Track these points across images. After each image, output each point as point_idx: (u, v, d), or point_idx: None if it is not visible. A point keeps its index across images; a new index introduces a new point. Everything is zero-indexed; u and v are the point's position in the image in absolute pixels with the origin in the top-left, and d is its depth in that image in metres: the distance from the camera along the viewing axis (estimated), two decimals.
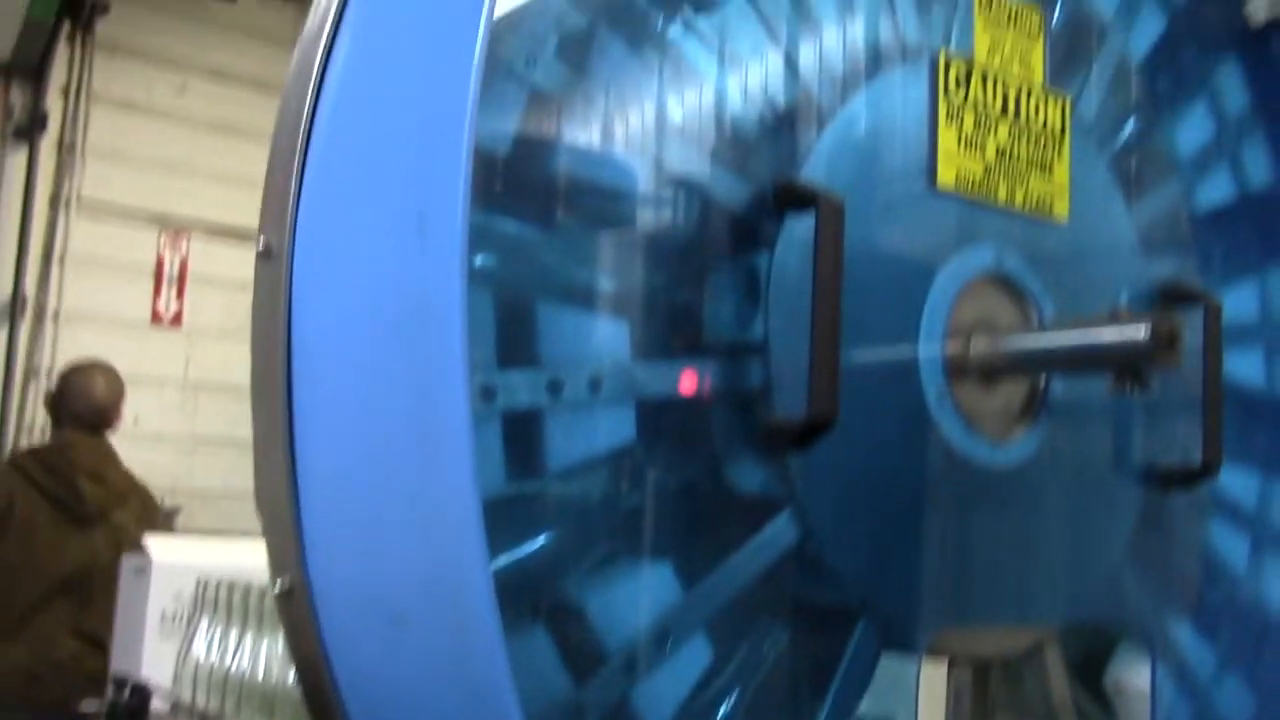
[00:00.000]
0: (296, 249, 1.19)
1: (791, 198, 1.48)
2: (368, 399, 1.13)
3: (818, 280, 1.42)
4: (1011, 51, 1.81)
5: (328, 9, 1.27)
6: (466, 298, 0.98)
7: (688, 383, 1.44)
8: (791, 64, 1.59)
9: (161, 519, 4.70)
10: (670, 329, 1.43)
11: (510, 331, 1.28)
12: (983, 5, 1.78)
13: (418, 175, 1.08)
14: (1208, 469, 1.89)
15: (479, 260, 1.25)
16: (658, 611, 1.37)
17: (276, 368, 1.22)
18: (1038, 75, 1.83)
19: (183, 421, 6.98)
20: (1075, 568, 1.83)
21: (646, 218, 1.43)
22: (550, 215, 1.35)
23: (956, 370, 1.67)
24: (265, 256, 1.25)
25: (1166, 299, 1.93)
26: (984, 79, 1.76)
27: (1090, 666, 1.87)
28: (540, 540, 1.29)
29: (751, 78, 1.55)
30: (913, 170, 1.68)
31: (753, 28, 1.56)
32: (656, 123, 1.44)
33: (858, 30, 1.67)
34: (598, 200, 1.40)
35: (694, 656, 1.41)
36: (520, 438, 1.28)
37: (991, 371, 1.69)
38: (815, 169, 1.55)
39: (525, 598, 1.26)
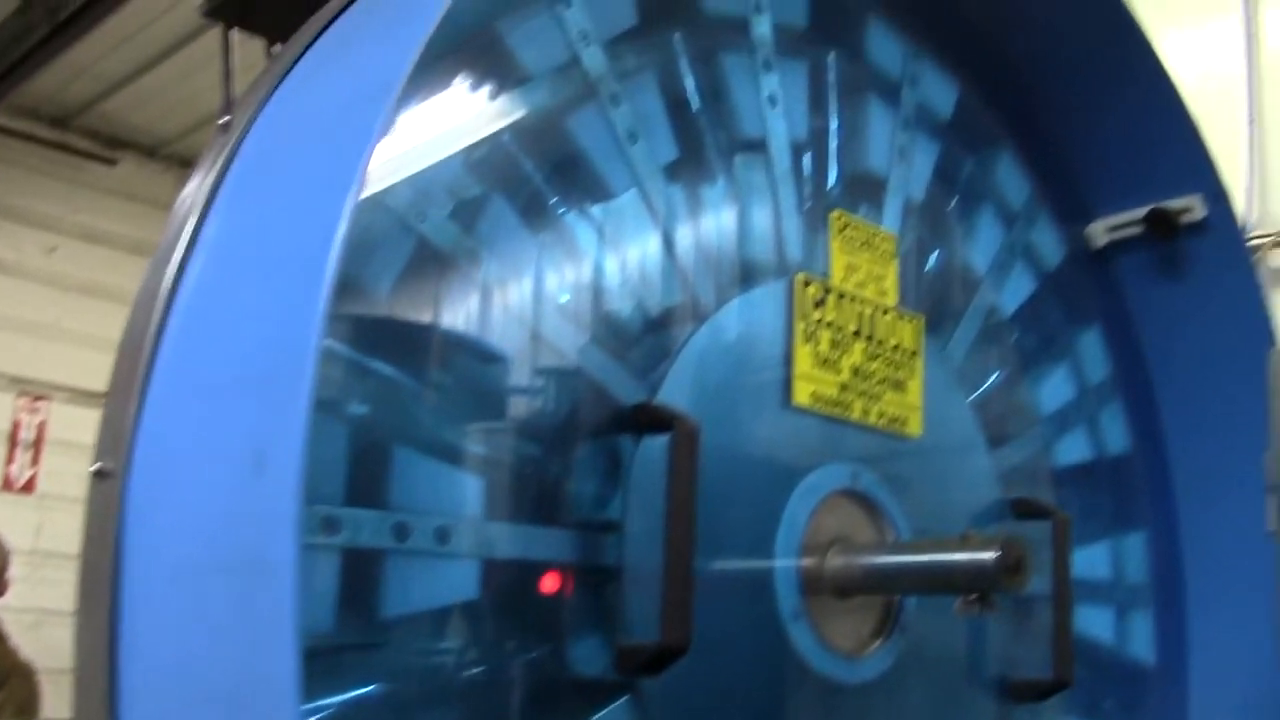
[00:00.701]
0: (132, 474, 1.16)
1: (648, 420, 1.49)
2: (193, 644, 1.09)
3: (671, 506, 1.42)
4: (867, 274, 1.87)
5: (181, 227, 1.27)
6: (300, 545, 0.95)
7: (550, 583, 1.42)
8: (670, 264, 1.62)
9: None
10: (526, 495, 1.41)
11: (363, 470, 1.26)
12: (839, 229, 1.85)
13: (260, 417, 1.06)
14: (1059, 683, 1.92)
15: (337, 395, 1.23)
16: None
17: (102, 593, 1.17)
18: (891, 297, 1.89)
19: (29, 593, 6.64)
20: None
21: (516, 384, 1.44)
22: (421, 366, 1.35)
23: (811, 585, 1.67)
24: (100, 476, 1.21)
25: (1018, 514, 1.98)
26: (840, 299, 1.81)
27: None
28: (363, 693, 1.24)
29: (631, 271, 1.58)
30: (771, 386, 1.71)
31: (642, 223, 1.60)
32: (536, 297, 1.46)
33: (733, 246, 1.72)
34: (469, 359, 1.40)
35: None
36: (357, 579, 1.24)
37: (846, 588, 1.70)
38: (678, 378, 1.57)
39: None
